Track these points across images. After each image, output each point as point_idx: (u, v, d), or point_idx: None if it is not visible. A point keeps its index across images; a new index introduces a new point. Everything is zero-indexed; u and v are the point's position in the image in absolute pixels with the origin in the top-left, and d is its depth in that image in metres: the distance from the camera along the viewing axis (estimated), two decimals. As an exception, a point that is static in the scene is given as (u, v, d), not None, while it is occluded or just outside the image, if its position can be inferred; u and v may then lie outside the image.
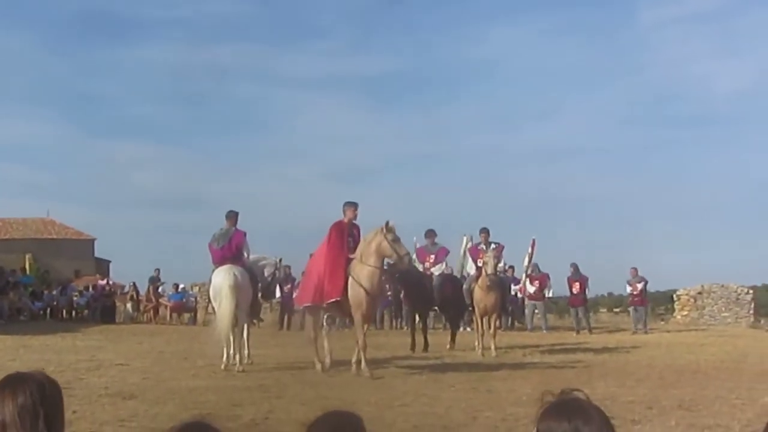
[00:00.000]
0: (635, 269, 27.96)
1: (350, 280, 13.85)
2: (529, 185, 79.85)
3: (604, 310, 39.32)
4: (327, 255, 14.18)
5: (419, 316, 20.52)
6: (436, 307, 20.72)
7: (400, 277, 18.59)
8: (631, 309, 28.57)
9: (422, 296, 19.45)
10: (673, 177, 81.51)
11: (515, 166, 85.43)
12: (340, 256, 14.03)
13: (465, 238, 21.05)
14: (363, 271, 13.81)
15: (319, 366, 14.29)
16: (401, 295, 22.62)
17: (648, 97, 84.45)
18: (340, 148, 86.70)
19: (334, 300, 13.95)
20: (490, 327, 18.55)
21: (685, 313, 33.52)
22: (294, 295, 26.68)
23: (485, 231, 19.22)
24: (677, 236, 70.33)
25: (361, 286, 13.73)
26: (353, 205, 14.52)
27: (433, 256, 19.97)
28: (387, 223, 13.92)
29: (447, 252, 20.43)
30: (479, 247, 19.01)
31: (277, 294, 25.83)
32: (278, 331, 26.78)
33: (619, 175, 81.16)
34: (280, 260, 17.84)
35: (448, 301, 19.77)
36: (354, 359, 14.04)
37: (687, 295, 33.84)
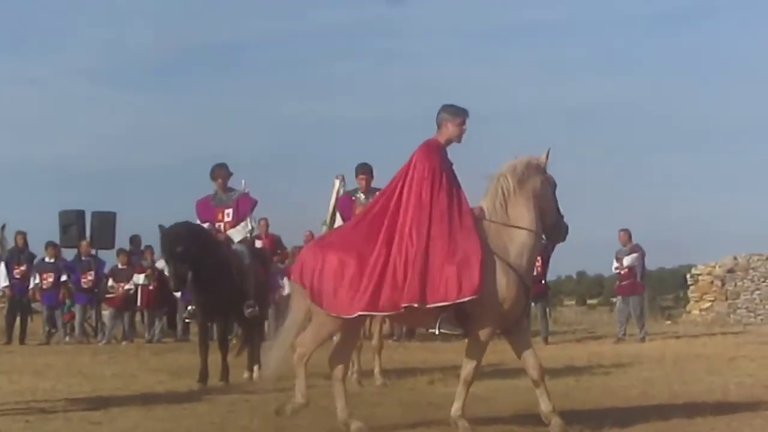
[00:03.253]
0: (626, 232, 27.02)
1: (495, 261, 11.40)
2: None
3: (571, 302, 38.43)
4: (435, 209, 11.41)
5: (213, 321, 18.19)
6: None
7: (182, 252, 16.29)
8: (618, 300, 27.48)
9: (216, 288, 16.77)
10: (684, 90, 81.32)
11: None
12: (465, 214, 11.42)
13: (337, 181, 19.90)
14: (511, 239, 11.63)
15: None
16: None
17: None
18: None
19: (462, 300, 11.01)
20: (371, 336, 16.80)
21: (707, 304, 33.48)
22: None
23: (365, 170, 17.35)
24: (691, 183, 69.84)
25: (510, 265, 11.41)
26: (462, 114, 11.73)
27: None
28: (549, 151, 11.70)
29: (253, 203, 18.16)
30: (353, 198, 17.59)
31: (2, 281, 25.84)
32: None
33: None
34: (4, 227, 18.02)
35: (261, 295, 17.46)
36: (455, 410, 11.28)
37: (709, 274, 33.84)
